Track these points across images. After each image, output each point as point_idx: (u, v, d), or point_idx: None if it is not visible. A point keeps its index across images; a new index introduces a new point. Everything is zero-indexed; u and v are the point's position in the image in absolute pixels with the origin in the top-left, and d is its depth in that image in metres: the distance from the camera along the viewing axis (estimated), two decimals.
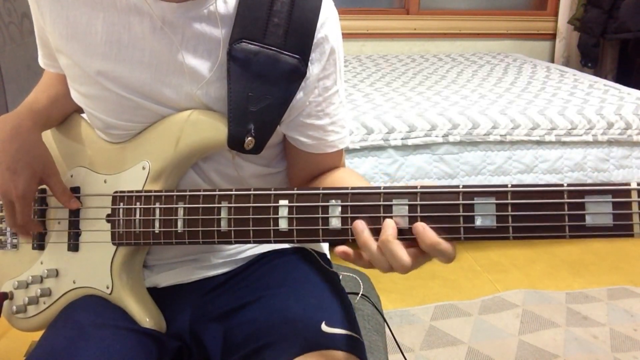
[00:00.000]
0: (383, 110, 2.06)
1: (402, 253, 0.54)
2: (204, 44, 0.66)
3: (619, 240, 2.38)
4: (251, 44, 0.65)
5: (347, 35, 3.90)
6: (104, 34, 0.66)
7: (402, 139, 1.97)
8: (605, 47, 3.25)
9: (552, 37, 3.49)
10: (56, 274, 0.77)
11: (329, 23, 0.69)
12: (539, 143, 2.09)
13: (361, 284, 1.01)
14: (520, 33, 3.48)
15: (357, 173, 0.80)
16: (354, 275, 1.04)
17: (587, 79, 2.64)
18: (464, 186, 0.52)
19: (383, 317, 0.98)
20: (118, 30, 0.65)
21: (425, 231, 0.53)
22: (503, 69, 2.89)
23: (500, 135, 2.04)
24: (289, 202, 0.59)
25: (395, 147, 1.98)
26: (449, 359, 1.55)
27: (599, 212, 0.49)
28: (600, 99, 2.28)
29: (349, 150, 1.95)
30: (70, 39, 0.68)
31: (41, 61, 0.80)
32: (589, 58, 3.21)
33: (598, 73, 3.19)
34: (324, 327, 0.68)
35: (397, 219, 0.55)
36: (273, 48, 0.65)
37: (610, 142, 2.14)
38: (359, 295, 0.99)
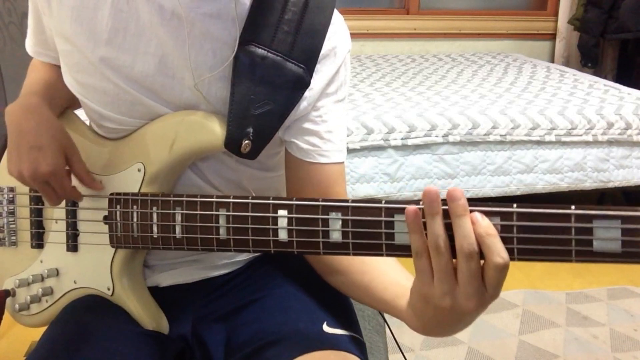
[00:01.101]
0: (383, 110, 2.06)
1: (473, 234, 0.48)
2: (211, 41, 0.65)
3: None
4: (259, 47, 0.65)
5: None
6: (110, 20, 0.65)
7: (402, 139, 1.97)
8: (605, 47, 3.25)
9: (552, 37, 3.49)
10: (56, 273, 0.77)
11: (338, 36, 0.69)
12: (539, 143, 2.09)
13: None
14: (520, 33, 3.48)
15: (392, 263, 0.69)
16: None
17: (587, 79, 2.64)
18: (469, 204, 0.50)
19: (383, 318, 0.98)
20: (125, 17, 0.65)
21: (484, 219, 0.48)
22: (503, 69, 2.89)
23: (500, 135, 2.04)
24: (288, 213, 0.58)
25: (395, 147, 1.98)
26: (449, 359, 1.55)
27: (607, 238, 0.47)
28: (600, 99, 2.28)
29: (348, 150, 1.94)
30: (75, 23, 0.66)
31: (32, 49, 0.78)
32: (589, 58, 3.21)
33: (598, 73, 3.19)
34: (326, 327, 0.69)
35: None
36: (280, 54, 0.65)
37: (610, 142, 2.14)
38: None
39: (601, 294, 1.87)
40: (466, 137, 2.01)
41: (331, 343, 0.66)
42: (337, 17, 0.70)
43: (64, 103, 0.78)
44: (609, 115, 2.12)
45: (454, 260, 0.50)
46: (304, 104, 0.68)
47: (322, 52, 0.68)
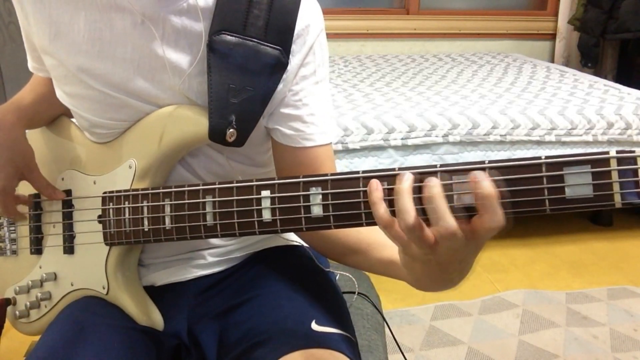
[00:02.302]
0: (383, 110, 2.06)
1: (448, 211, 0.47)
2: (184, 37, 0.66)
3: (619, 239, 2.37)
4: (231, 35, 0.65)
5: (347, 35, 3.85)
6: (86, 31, 0.66)
7: (402, 139, 1.97)
8: (605, 47, 3.25)
9: (552, 37, 3.49)
10: (54, 277, 0.77)
11: (310, 14, 0.69)
12: (539, 143, 2.09)
13: (356, 283, 1.01)
14: (520, 33, 3.48)
15: None
16: (350, 275, 1.04)
17: (587, 79, 2.64)
18: (442, 165, 0.51)
19: (383, 317, 0.98)
20: (100, 27, 0.66)
21: (485, 177, 0.47)
22: (503, 69, 2.89)
23: (500, 135, 2.04)
24: (271, 193, 0.59)
25: (395, 147, 1.98)
26: (449, 359, 1.55)
27: (578, 184, 0.48)
28: (600, 99, 2.28)
29: (349, 150, 1.95)
30: (54, 38, 0.68)
31: (30, 65, 0.80)
32: (589, 58, 3.21)
33: (598, 73, 3.19)
34: (314, 325, 0.68)
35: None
36: (253, 39, 0.65)
37: (610, 142, 2.14)
38: (356, 294, 0.98)
39: (601, 294, 1.87)
40: (466, 137, 2.01)
41: (319, 341, 0.66)
42: None
43: (56, 112, 0.81)
44: (609, 115, 2.12)
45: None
46: (280, 86, 0.68)
47: (296, 31, 0.67)
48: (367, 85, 2.50)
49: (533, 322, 1.71)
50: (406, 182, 0.50)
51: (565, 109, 2.13)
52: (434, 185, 0.48)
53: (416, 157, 2.00)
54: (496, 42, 3.48)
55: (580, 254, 2.14)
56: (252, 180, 0.60)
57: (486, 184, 0.47)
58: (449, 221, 0.48)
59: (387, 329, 0.97)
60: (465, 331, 1.66)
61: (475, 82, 2.58)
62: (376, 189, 0.52)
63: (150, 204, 0.66)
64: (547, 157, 0.49)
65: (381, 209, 0.51)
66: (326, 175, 0.56)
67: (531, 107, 2.13)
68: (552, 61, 3.42)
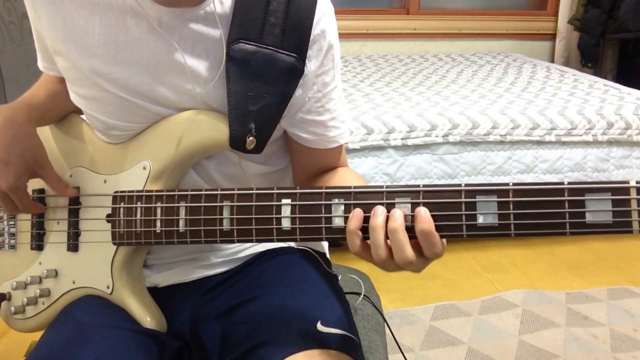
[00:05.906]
0: (383, 110, 2.06)
1: (407, 245, 0.55)
2: (201, 44, 0.66)
3: (619, 239, 2.37)
4: (249, 44, 0.65)
5: (347, 35, 3.85)
6: (101, 35, 0.66)
7: (402, 139, 1.97)
8: (605, 47, 3.25)
9: (552, 37, 3.49)
10: (55, 274, 0.77)
11: (325, 19, 0.69)
12: (539, 143, 2.09)
13: (362, 284, 1.01)
14: (520, 33, 3.48)
15: (357, 174, 0.80)
16: (354, 276, 1.04)
17: (587, 79, 2.64)
18: (466, 184, 0.53)
19: (383, 317, 0.98)
20: (115, 32, 0.66)
21: (426, 215, 0.54)
22: (503, 69, 2.89)
23: (500, 135, 2.04)
24: (292, 201, 0.59)
25: (395, 147, 1.98)
26: (449, 359, 1.55)
27: (598, 210, 0.50)
28: (600, 99, 2.28)
29: (348, 151, 1.94)
30: (68, 41, 0.68)
31: (41, 64, 0.80)
32: (589, 58, 3.21)
33: (598, 73, 3.19)
34: (320, 326, 0.69)
35: (404, 213, 0.57)
36: (270, 47, 0.66)
37: (610, 142, 2.14)
38: (361, 296, 0.98)
39: (601, 294, 1.87)
40: (466, 137, 2.01)
41: (324, 342, 0.66)
42: (322, 1, 0.69)
43: (67, 110, 0.80)
44: (609, 115, 2.12)
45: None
46: (299, 91, 0.69)
47: (312, 37, 0.68)
48: (367, 85, 2.50)
49: (533, 322, 1.71)
50: (380, 217, 0.56)
51: (565, 109, 2.13)
52: (398, 218, 0.55)
53: (416, 157, 2.00)
54: (496, 42, 3.48)
55: (580, 254, 2.14)
56: (272, 188, 0.61)
57: (422, 217, 0.54)
58: (408, 253, 0.55)
59: (387, 329, 0.97)
60: (465, 331, 1.66)
61: (475, 82, 2.58)
62: (356, 217, 0.57)
63: (164, 205, 0.66)
64: (569, 183, 0.51)
65: (357, 239, 0.57)
66: (349, 187, 0.58)
67: (531, 107, 2.13)
68: (552, 61, 3.42)
